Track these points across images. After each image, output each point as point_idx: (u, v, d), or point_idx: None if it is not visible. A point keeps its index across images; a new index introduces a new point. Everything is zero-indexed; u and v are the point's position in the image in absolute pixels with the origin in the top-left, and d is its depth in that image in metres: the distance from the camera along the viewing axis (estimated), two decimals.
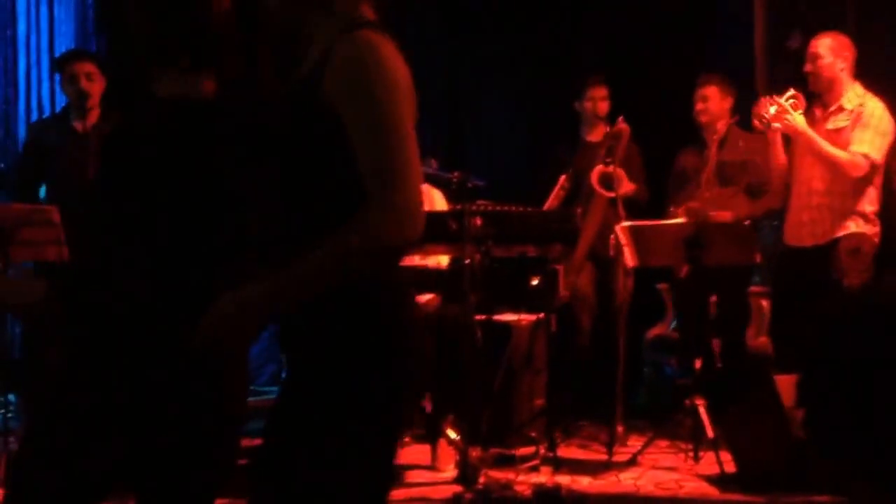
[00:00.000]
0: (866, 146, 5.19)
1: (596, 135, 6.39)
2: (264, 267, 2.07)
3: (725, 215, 5.71)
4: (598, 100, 6.39)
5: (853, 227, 5.27)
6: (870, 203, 5.31)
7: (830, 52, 5.35)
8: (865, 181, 5.26)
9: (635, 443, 5.53)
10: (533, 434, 5.47)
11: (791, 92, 5.31)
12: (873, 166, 5.23)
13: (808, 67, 5.39)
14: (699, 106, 6.00)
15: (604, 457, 5.36)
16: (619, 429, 5.62)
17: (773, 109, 5.28)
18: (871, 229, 5.30)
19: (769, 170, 5.53)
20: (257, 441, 5.24)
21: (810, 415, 1.44)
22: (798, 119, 5.27)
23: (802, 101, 5.33)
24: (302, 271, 1.98)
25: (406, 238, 1.99)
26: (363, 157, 2.00)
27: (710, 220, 5.56)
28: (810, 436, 1.43)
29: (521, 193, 6.63)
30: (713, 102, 5.99)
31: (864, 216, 5.29)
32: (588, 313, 6.22)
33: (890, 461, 1.34)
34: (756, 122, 5.41)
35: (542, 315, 5.64)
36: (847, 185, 5.26)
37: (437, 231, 4.90)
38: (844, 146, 5.25)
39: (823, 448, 1.42)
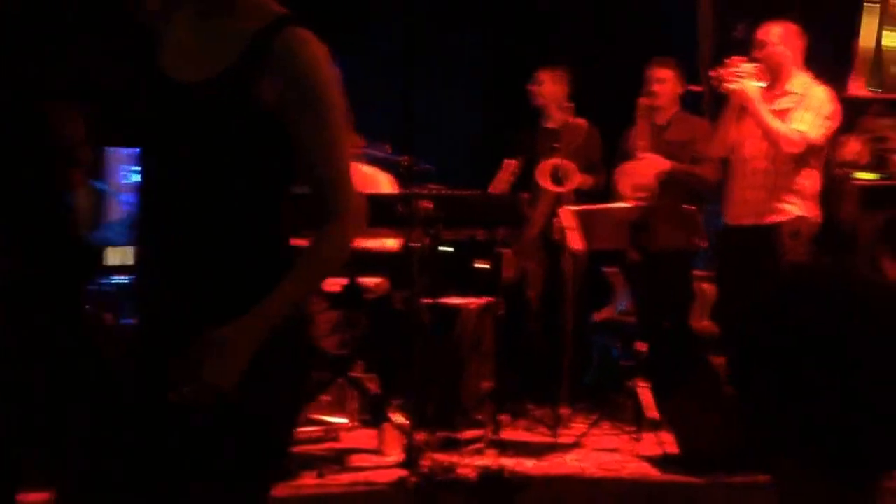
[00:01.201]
0: (805, 125, 5.24)
1: (552, 121, 6.39)
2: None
3: (664, 164, 5.79)
4: (554, 85, 6.39)
5: (794, 209, 5.31)
6: (810, 184, 5.35)
7: (779, 39, 5.41)
8: (804, 161, 5.29)
9: (580, 425, 5.58)
10: (479, 417, 5.50)
11: (756, 63, 5.35)
12: (810, 146, 5.27)
13: (756, 54, 5.43)
14: (654, 87, 6.03)
15: (549, 439, 5.40)
16: (565, 411, 5.67)
17: (734, 69, 5.32)
18: (811, 210, 5.35)
19: (714, 138, 5.57)
20: None
21: (738, 394, 1.46)
22: (751, 86, 5.30)
23: (764, 77, 5.36)
24: (290, 293, 1.96)
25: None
26: (321, 166, 1.99)
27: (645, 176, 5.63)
28: (738, 415, 1.45)
29: (474, 178, 6.65)
30: (668, 85, 6.04)
31: (805, 196, 5.33)
32: (536, 296, 6.26)
33: (817, 440, 1.37)
34: (713, 75, 5.43)
35: (489, 298, 5.66)
36: (787, 164, 5.30)
37: (384, 215, 4.91)
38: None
39: (750, 427, 1.44)
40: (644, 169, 5.89)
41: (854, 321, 1.36)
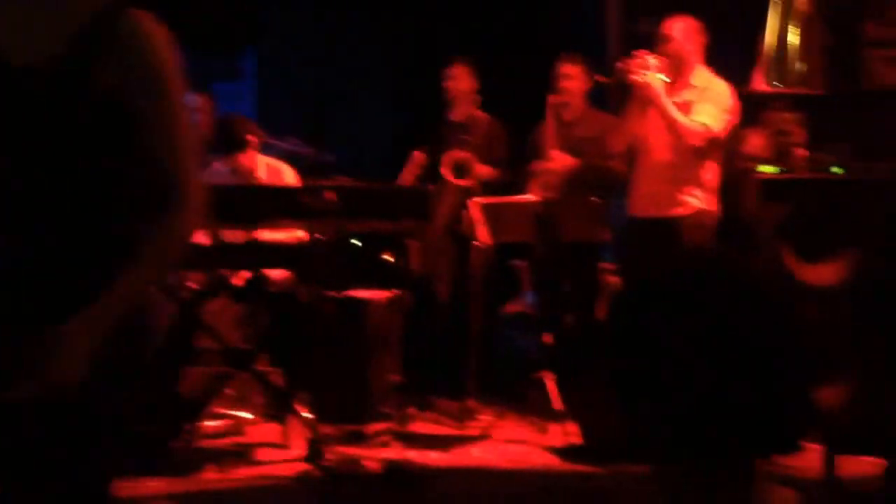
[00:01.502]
0: (707, 117, 5.32)
1: (458, 114, 6.40)
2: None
3: (569, 161, 5.84)
4: (461, 79, 6.40)
5: (695, 201, 5.38)
6: (711, 177, 5.44)
7: (681, 34, 5.48)
8: (705, 153, 5.38)
9: (487, 417, 5.58)
10: (386, 410, 5.47)
11: (660, 56, 5.41)
12: (712, 139, 5.34)
13: (660, 49, 5.50)
14: (562, 83, 6.07)
15: (456, 431, 5.40)
16: (472, 403, 5.67)
17: (639, 62, 5.37)
18: (712, 204, 5.43)
19: (619, 131, 5.63)
20: None
21: (617, 379, 1.46)
22: (655, 78, 5.36)
23: (667, 71, 5.42)
24: (130, 285, 1.89)
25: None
26: (165, 155, 1.92)
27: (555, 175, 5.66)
28: (623, 407, 1.44)
29: (384, 170, 6.63)
30: (576, 81, 6.08)
31: (706, 189, 5.42)
32: (444, 289, 6.25)
33: (695, 429, 1.37)
34: (619, 67, 5.48)
35: (396, 291, 5.64)
36: (689, 157, 5.37)
37: (288, 206, 4.86)
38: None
39: (630, 417, 1.44)
40: (553, 167, 5.92)
41: (742, 312, 1.36)
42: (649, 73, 5.35)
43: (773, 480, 1.43)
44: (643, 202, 5.52)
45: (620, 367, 1.47)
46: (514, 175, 6.33)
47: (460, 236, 6.01)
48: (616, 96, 6.40)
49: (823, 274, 5.53)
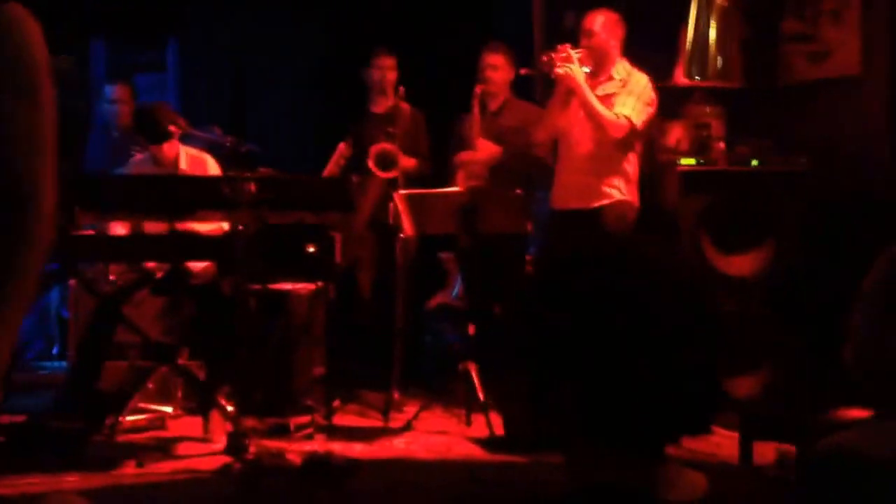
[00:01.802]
0: (628, 110, 5.40)
1: (381, 106, 6.39)
2: None
3: (494, 149, 5.85)
4: (385, 69, 6.38)
5: (617, 193, 5.46)
6: (632, 169, 5.52)
7: (603, 28, 5.55)
8: (627, 145, 5.47)
9: (412, 409, 5.58)
10: (310, 403, 5.45)
11: (582, 49, 5.47)
12: (633, 130, 5.42)
13: (582, 43, 5.56)
14: (487, 73, 6.08)
15: (380, 423, 5.40)
16: (396, 395, 5.67)
17: (562, 54, 5.41)
18: (633, 195, 5.52)
19: (542, 123, 5.66)
20: (19, 417, 5.02)
21: (524, 365, 1.46)
22: (578, 70, 5.41)
23: (589, 62, 5.47)
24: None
25: None
26: (24, 158, 1.86)
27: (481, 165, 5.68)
28: (528, 388, 1.44)
29: (306, 163, 6.59)
30: (501, 72, 6.09)
31: (627, 179, 5.50)
32: (368, 281, 6.24)
33: (597, 411, 1.37)
34: (543, 60, 5.52)
35: (320, 283, 5.61)
36: (611, 149, 5.44)
37: (210, 197, 4.82)
38: (611, 110, 5.44)
39: (538, 400, 1.45)
40: (479, 156, 5.94)
41: (653, 296, 1.37)
42: (572, 65, 5.40)
43: (683, 464, 1.44)
44: (565, 194, 5.58)
45: (530, 352, 1.46)
46: (436, 167, 6.34)
47: (384, 228, 6.00)
48: (541, 87, 6.45)
49: (741, 265, 5.63)
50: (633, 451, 1.40)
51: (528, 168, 5.98)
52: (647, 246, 1.46)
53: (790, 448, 4.00)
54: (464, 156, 5.99)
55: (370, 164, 5.95)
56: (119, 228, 5.35)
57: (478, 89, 6.03)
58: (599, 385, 1.37)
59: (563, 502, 1.45)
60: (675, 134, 5.99)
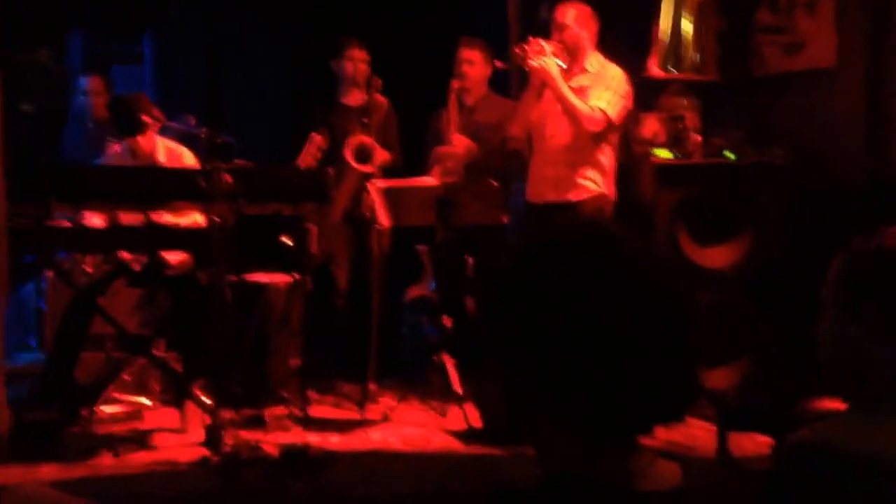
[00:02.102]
0: (603, 102, 5.40)
1: (353, 98, 6.35)
2: None
3: (469, 145, 5.86)
4: (357, 61, 6.35)
5: (593, 185, 5.46)
6: (608, 161, 5.53)
7: (575, 22, 5.55)
8: (602, 138, 5.47)
9: (388, 400, 5.59)
10: (286, 394, 5.45)
11: (555, 42, 5.47)
12: (609, 123, 5.43)
13: (554, 36, 5.56)
14: (463, 69, 6.07)
15: (356, 415, 5.41)
16: (372, 387, 5.67)
17: (536, 47, 5.42)
18: (609, 187, 5.52)
19: (515, 116, 5.67)
20: None
21: (494, 355, 1.46)
22: (552, 63, 5.41)
23: (563, 57, 5.48)
24: None
25: None
26: None
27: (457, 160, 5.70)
28: (497, 377, 1.45)
29: (281, 155, 6.57)
30: (477, 67, 6.09)
31: (604, 173, 5.50)
32: (344, 273, 6.23)
33: (569, 399, 1.38)
34: (516, 52, 5.53)
35: (296, 275, 5.61)
36: (586, 141, 5.45)
37: (186, 188, 4.81)
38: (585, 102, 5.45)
39: (508, 389, 1.46)
40: (455, 152, 5.94)
41: (628, 286, 1.38)
42: (546, 58, 5.41)
43: (658, 454, 1.45)
44: (541, 187, 5.58)
45: (501, 342, 1.47)
46: (409, 161, 6.33)
47: (359, 220, 6.00)
48: (517, 82, 6.46)
49: (717, 257, 5.65)
50: (606, 441, 1.41)
51: (504, 164, 5.98)
52: (617, 234, 1.46)
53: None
54: (440, 150, 5.99)
55: (347, 156, 5.93)
56: (94, 219, 5.32)
57: (455, 85, 6.03)
58: (570, 375, 1.38)
59: (538, 494, 1.45)
60: (651, 126, 6.00)
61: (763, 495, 1.83)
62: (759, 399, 4.43)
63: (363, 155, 5.88)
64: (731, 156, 5.85)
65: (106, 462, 4.52)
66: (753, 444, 4.54)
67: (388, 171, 6.08)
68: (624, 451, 1.42)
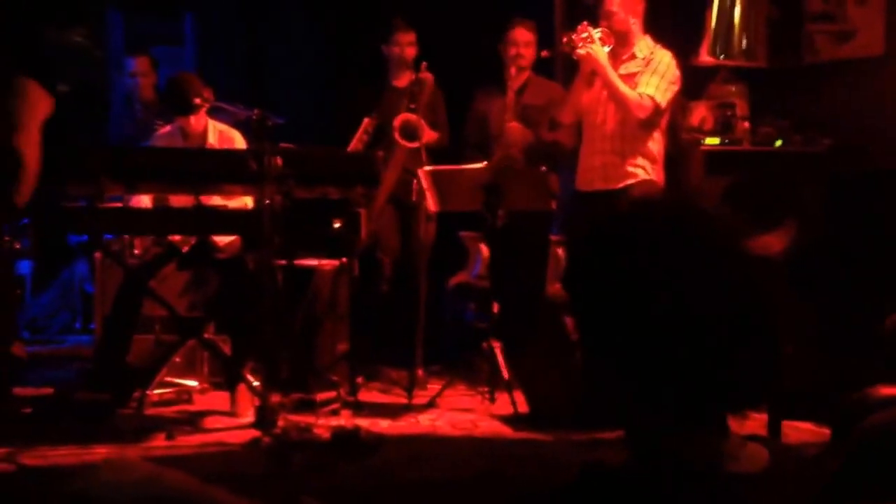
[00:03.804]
0: (652, 89, 5.36)
1: (402, 80, 6.36)
2: None
3: (527, 134, 5.84)
4: (405, 45, 6.35)
5: (641, 172, 5.43)
6: (657, 148, 5.49)
7: (622, 8, 5.51)
8: (651, 124, 5.43)
9: (435, 386, 5.59)
10: (334, 378, 5.47)
11: (604, 29, 5.44)
12: (657, 110, 5.39)
13: (602, 24, 5.53)
14: (516, 50, 6.04)
15: (404, 400, 5.42)
16: (419, 373, 5.69)
17: (584, 35, 5.40)
18: (658, 174, 5.49)
19: (566, 104, 5.65)
20: (45, 390, 5.05)
21: (582, 340, 1.46)
22: (600, 51, 5.39)
23: (611, 41, 5.45)
24: None
25: None
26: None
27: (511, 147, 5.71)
28: (584, 367, 1.45)
29: (324, 136, 6.58)
30: (530, 48, 6.07)
31: (651, 159, 5.46)
32: (390, 258, 6.24)
33: (659, 383, 1.38)
34: (564, 41, 5.51)
35: (344, 259, 5.62)
36: (635, 128, 5.41)
37: (236, 171, 4.82)
38: (634, 89, 5.41)
39: (596, 374, 1.45)
40: (512, 137, 5.92)
41: (693, 260, 1.37)
42: (593, 46, 5.38)
43: (745, 438, 1.45)
44: (590, 175, 5.55)
45: (587, 324, 1.46)
46: (453, 142, 6.33)
47: (406, 204, 6.01)
48: (562, 67, 6.44)
49: (764, 245, 5.63)
50: (697, 423, 1.41)
51: (550, 154, 5.96)
52: (710, 216, 1.46)
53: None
54: (505, 137, 5.96)
55: (395, 134, 5.94)
56: (144, 201, 5.36)
57: (512, 71, 6.00)
58: (662, 358, 1.38)
59: (629, 474, 1.45)
60: (699, 113, 5.98)
61: (838, 478, 1.83)
62: (811, 386, 4.41)
63: (409, 132, 5.88)
64: (780, 143, 5.82)
65: (159, 443, 4.56)
66: (796, 431, 4.53)
67: (436, 151, 6.08)
68: (715, 432, 1.42)
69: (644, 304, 1.37)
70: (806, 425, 4.63)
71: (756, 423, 4.29)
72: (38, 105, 4.30)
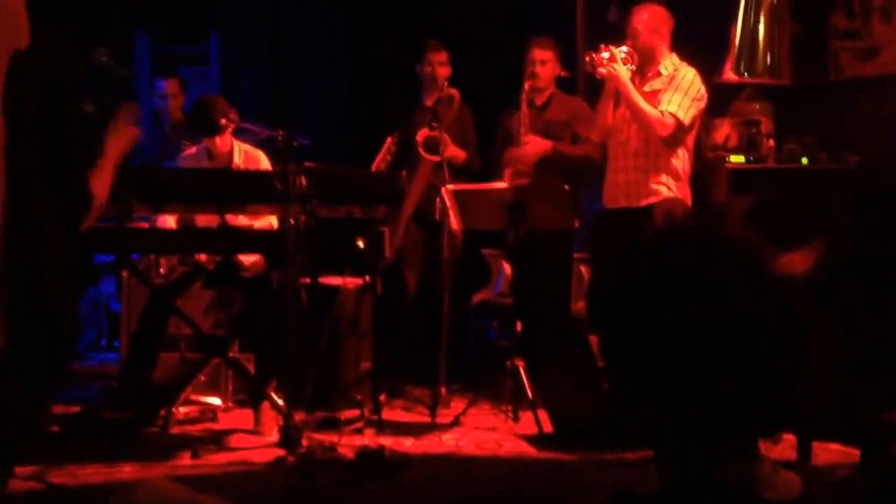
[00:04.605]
0: (674, 106, 5.36)
1: (433, 99, 6.37)
2: None
3: (545, 144, 5.86)
4: (436, 64, 6.36)
5: (665, 190, 5.43)
6: (681, 165, 5.48)
7: (648, 27, 5.52)
8: (675, 141, 5.43)
9: (458, 405, 5.58)
10: (358, 397, 5.47)
11: (627, 48, 5.46)
12: (680, 127, 5.39)
13: (628, 43, 5.54)
14: (536, 69, 6.05)
15: (427, 419, 5.42)
16: (443, 390, 5.68)
17: (605, 55, 5.41)
18: (683, 191, 5.49)
19: (593, 123, 5.66)
20: (72, 408, 5.07)
21: (609, 362, 1.45)
22: (622, 71, 5.40)
23: (634, 60, 5.46)
24: None
25: None
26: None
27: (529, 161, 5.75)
28: (611, 390, 1.44)
29: (346, 156, 6.61)
30: (549, 67, 6.08)
31: (675, 176, 5.46)
32: (413, 276, 6.25)
33: (689, 407, 1.37)
34: (586, 60, 5.53)
35: (367, 278, 5.63)
36: (659, 147, 5.42)
37: (261, 191, 4.85)
38: (657, 107, 5.41)
39: (623, 396, 1.45)
40: (528, 152, 5.93)
41: (721, 283, 1.37)
42: (616, 65, 5.39)
43: (778, 464, 1.44)
44: (615, 192, 5.55)
45: (614, 351, 1.46)
46: (482, 160, 6.33)
47: (430, 221, 6.01)
48: (584, 84, 6.44)
49: (790, 263, 5.59)
50: (729, 447, 1.40)
51: (576, 165, 5.96)
52: (739, 239, 1.45)
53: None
54: (511, 152, 5.98)
55: (419, 148, 5.96)
56: (169, 221, 5.39)
57: (526, 85, 6.01)
58: (694, 381, 1.37)
59: (659, 499, 1.44)
60: (724, 131, 5.96)
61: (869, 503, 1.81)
62: (840, 407, 4.37)
63: (432, 146, 5.90)
64: (806, 161, 5.79)
65: (185, 462, 4.57)
66: (825, 452, 4.50)
67: (465, 172, 6.08)
68: (747, 458, 1.41)
69: (672, 330, 1.36)
70: (834, 446, 4.60)
71: (785, 444, 4.27)
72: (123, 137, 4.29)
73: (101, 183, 3.92)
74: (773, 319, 1.36)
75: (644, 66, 5.53)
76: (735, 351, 1.34)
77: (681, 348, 1.35)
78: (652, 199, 5.42)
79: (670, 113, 5.35)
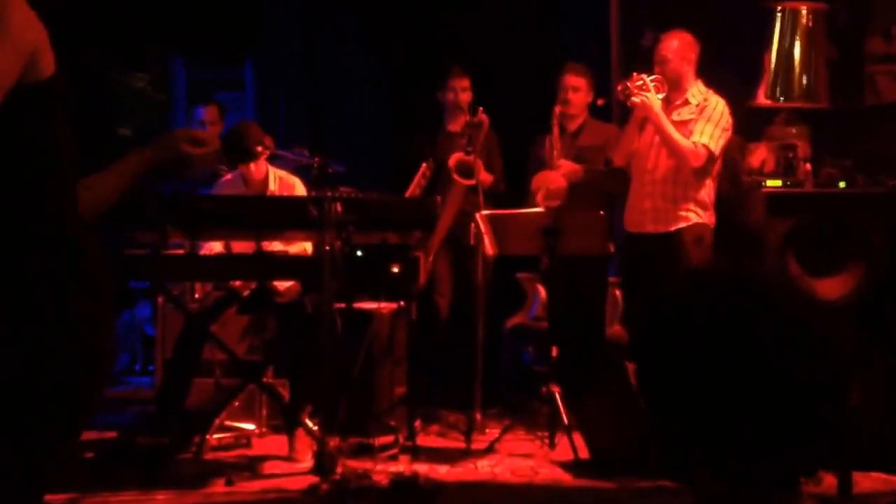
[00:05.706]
0: (707, 137, 5.37)
1: (457, 125, 6.39)
2: None
3: (575, 167, 5.85)
4: (459, 90, 6.39)
5: (693, 217, 5.43)
6: (707, 193, 5.50)
7: (678, 54, 5.54)
8: (704, 171, 5.44)
9: (493, 430, 5.55)
10: (392, 423, 5.46)
11: (657, 76, 5.46)
12: (711, 158, 5.41)
13: (656, 70, 5.55)
14: (568, 95, 6.07)
15: (462, 445, 5.39)
16: (478, 416, 5.65)
17: (639, 83, 5.41)
18: (709, 218, 5.48)
19: (616, 146, 5.66)
20: (107, 433, 5.09)
21: (649, 400, 1.44)
22: (654, 99, 5.40)
23: (664, 88, 5.47)
24: None
25: None
26: None
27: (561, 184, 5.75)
28: (650, 421, 1.43)
29: (380, 181, 6.62)
30: (581, 94, 6.09)
31: (703, 205, 5.47)
32: (446, 301, 6.24)
33: (729, 446, 1.36)
34: (619, 89, 5.54)
35: (402, 303, 5.63)
36: (688, 175, 5.43)
37: (297, 217, 4.86)
38: (688, 137, 5.42)
39: (663, 433, 1.43)
40: (560, 176, 5.94)
41: (759, 323, 1.35)
42: (648, 94, 5.40)
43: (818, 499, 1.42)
44: (640, 217, 5.56)
45: (654, 389, 1.44)
46: (511, 187, 6.33)
47: (463, 246, 6.00)
48: (618, 111, 6.43)
49: (828, 288, 5.53)
50: (770, 486, 1.38)
51: (608, 186, 5.96)
52: (763, 274, 1.44)
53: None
54: (541, 175, 5.98)
55: (452, 173, 5.97)
56: (217, 246, 5.42)
57: (557, 110, 6.02)
58: (733, 423, 1.35)
59: None
60: (760, 155, 5.92)
61: None
62: (880, 436, 4.31)
63: (465, 170, 5.91)
64: (843, 185, 5.74)
65: (219, 489, 4.57)
66: (866, 479, 4.44)
67: (491, 194, 6.09)
68: (787, 497, 1.39)
69: (711, 372, 1.35)
70: (876, 474, 4.54)
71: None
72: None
73: (102, 183, 3.89)
74: (810, 358, 1.35)
75: (671, 93, 5.54)
76: (773, 402, 1.33)
77: (717, 394, 1.34)
78: (680, 225, 5.43)
79: (703, 144, 5.37)
